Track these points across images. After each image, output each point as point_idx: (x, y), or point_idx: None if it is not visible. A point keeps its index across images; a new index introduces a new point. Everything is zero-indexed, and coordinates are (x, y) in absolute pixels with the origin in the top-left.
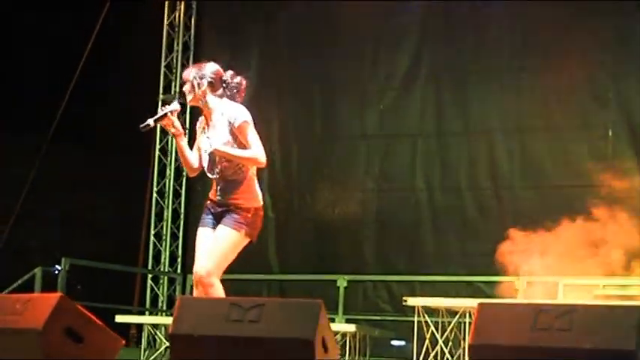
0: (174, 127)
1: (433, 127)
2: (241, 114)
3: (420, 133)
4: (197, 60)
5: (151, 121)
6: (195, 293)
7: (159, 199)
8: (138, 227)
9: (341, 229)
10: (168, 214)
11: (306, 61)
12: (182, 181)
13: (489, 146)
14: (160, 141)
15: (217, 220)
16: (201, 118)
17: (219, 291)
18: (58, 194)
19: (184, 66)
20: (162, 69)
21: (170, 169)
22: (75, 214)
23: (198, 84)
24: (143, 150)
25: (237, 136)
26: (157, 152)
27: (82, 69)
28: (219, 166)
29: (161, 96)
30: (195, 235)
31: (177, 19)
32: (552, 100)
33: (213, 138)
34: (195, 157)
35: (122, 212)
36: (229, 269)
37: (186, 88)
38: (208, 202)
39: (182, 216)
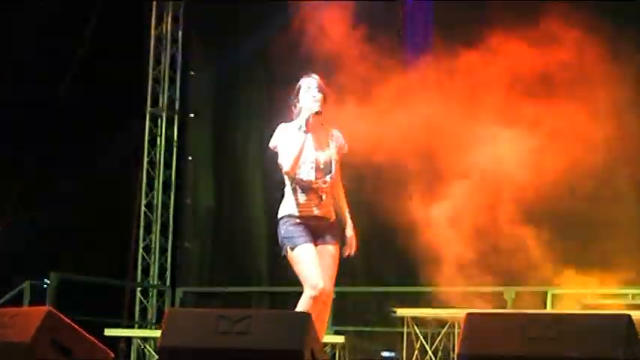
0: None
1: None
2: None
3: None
4: (185, 72)
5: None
6: (313, 308)
7: (147, 212)
8: (127, 240)
9: None
10: (156, 227)
11: (296, 71)
12: (170, 194)
13: None
14: (149, 153)
15: (315, 235)
16: (296, 124)
17: None
18: (46, 207)
19: (172, 78)
20: (150, 81)
21: (158, 182)
22: (63, 228)
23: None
24: (132, 163)
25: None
26: (146, 165)
27: (69, 82)
28: (329, 177)
29: (149, 108)
30: (182, 248)
31: (164, 32)
32: None
33: (329, 156)
34: None
35: (111, 225)
36: (218, 281)
37: (321, 96)
38: (301, 218)
39: (171, 229)
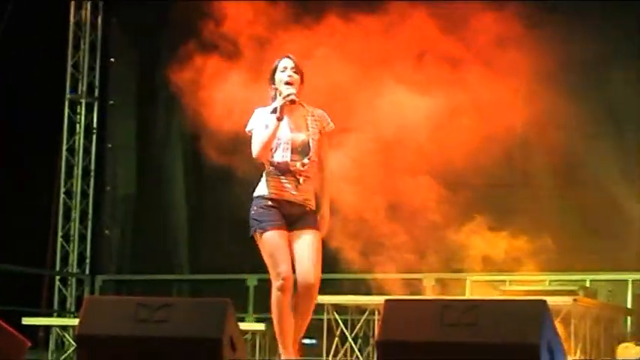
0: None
1: None
2: (330, 120)
3: None
4: (105, 59)
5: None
6: (282, 299)
7: (66, 200)
8: (46, 228)
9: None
10: (76, 214)
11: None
12: (90, 182)
13: None
14: (68, 141)
15: (290, 221)
16: (263, 111)
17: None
18: None
19: (91, 65)
20: (69, 68)
21: (78, 169)
22: None
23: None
24: (51, 150)
25: (321, 140)
26: (65, 152)
27: None
28: (308, 160)
29: (68, 95)
30: (102, 236)
31: (83, 18)
32: None
33: (306, 137)
34: None
35: (29, 213)
36: (138, 269)
37: (297, 78)
38: (273, 201)
39: (90, 216)
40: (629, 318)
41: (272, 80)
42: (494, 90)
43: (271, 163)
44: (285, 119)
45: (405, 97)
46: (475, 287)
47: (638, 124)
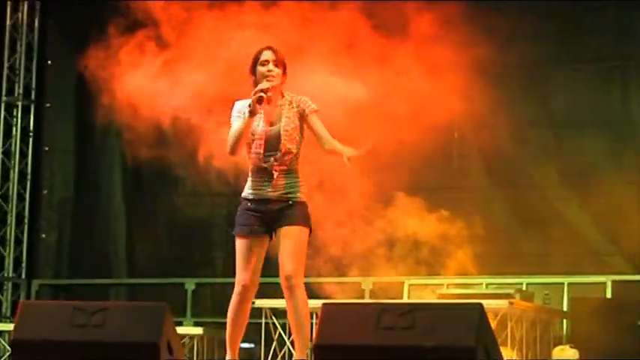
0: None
1: None
2: (312, 102)
3: None
4: (42, 60)
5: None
6: (235, 302)
7: (2, 203)
8: None
9: (190, 233)
10: (12, 218)
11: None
12: (26, 185)
13: None
14: (4, 144)
15: (271, 219)
16: (242, 103)
17: (304, 292)
18: None
19: (28, 67)
20: (6, 70)
21: (14, 173)
22: None
23: (285, 70)
24: None
25: (304, 124)
26: (1, 155)
27: None
28: (279, 153)
29: (4, 98)
30: (38, 240)
31: (20, 20)
32: None
33: (277, 130)
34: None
35: None
36: (75, 273)
37: (279, 71)
38: (252, 202)
39: (26, 220)
40: (564, 321)
41: (253, 71)
42: (427, 86)
43: (250, 161)
44: (263, 113)
45: (329, 83)
46: (413, 290)
47: (577, 127)
